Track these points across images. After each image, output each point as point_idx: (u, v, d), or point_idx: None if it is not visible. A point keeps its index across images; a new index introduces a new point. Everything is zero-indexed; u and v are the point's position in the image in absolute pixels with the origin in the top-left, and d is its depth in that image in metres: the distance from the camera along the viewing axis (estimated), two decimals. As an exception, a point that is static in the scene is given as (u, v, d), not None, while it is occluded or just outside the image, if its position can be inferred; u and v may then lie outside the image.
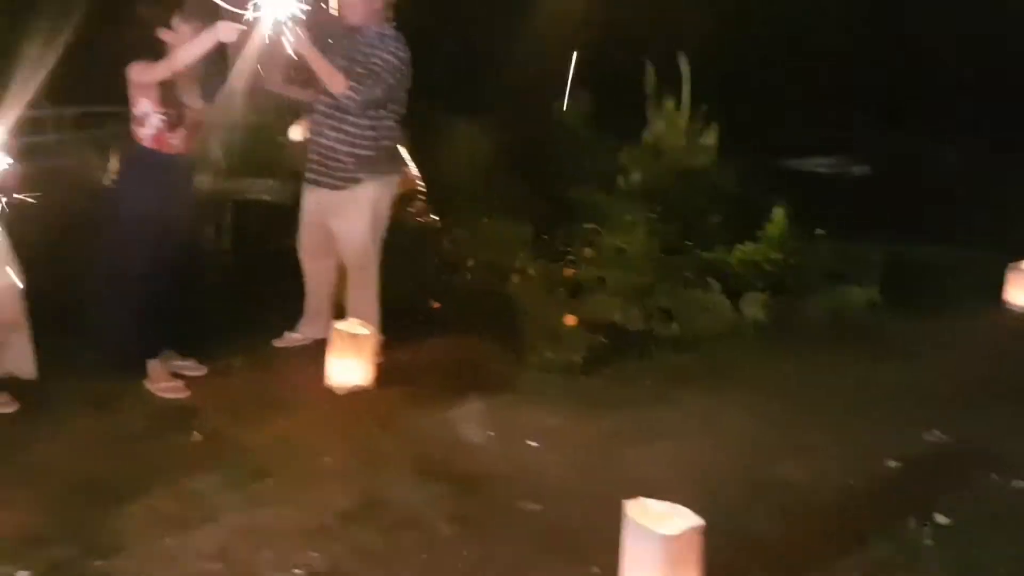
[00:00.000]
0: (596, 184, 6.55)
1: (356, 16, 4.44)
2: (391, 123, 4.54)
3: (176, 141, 4.13)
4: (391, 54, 4.39)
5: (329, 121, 4.46)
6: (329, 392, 4.28)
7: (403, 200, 5.42)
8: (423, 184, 5.98)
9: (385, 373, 4.38)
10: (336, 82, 4.31)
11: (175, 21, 4.05)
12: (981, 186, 8.41)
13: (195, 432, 3.86)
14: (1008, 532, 3.34)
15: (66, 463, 3.59)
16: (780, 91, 9.82)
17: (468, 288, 5.80)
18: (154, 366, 4.25)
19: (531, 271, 5.85)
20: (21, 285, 3.88)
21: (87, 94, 6.64)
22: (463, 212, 6.37)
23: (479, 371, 4.63)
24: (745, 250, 5.79)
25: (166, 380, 4.25)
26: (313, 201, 4.64)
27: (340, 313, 4.66)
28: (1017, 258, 5.97)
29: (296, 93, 4.68)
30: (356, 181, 4.50)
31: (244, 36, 3.88)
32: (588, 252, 5.93)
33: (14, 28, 5.61)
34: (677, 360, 4.89)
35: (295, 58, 4.20)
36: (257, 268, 5.43)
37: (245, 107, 5.10)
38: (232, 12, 3.89)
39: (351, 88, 4.33)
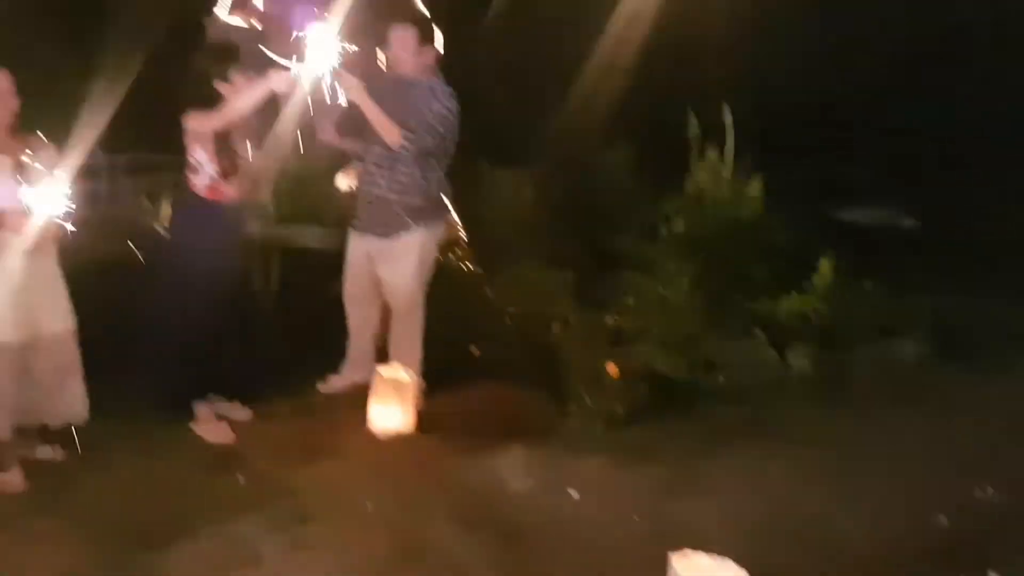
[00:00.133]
0: (638, 234, 6.54)
1: (407, 69, 4.54)
2: (440, 173, 4.62)
3: (229, 190, 4.22)
4: (442, 105, 4.48)
5: (381, 170, 4.55)
6: (372, 437, 4.29)
7: (445, 247, 5.47)
8: (464, 231, 6.02)
9: (427, 419, 4.40)
10: (391, 132, 4.40)
11: (231, 73, 4.17)
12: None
13: (239, 475, 3.88)
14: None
15: (112, 505, 3.64)
16: (830, 141, 9.76)
17: (509, 336, 5.80)
18: (201, 409, 4.30)
19: (573, 320, 5.84)
20: (74, 328, 3.96)
21: (140, 142, 6.80)
22: (505, 260, 6.39)
23: (520, 419, 4.61)
24: (792, 301, 5.72)
25: (213, 423, 4.30)
26: (361, 248, 4.70)
27: (382, 356, 4.69)
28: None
29: (346, 144, 4.78)
30: (406, 229, 4.56)
31: (296, 87, 3.99)
32: (631, 301, 5.91)
33: (83, 75, 5.78)
34: (722, 411, 4.82)
35: (347, 109, 4.30)
36: (303, 314, 5.49)
37: (295, 156, 5.22)
38: (284, 64, 4.01)
39: (405, 138, 4.41)
